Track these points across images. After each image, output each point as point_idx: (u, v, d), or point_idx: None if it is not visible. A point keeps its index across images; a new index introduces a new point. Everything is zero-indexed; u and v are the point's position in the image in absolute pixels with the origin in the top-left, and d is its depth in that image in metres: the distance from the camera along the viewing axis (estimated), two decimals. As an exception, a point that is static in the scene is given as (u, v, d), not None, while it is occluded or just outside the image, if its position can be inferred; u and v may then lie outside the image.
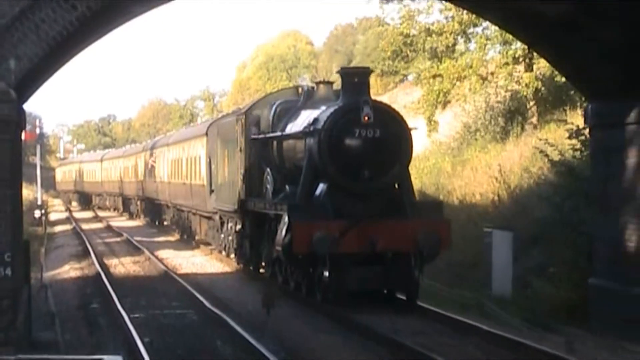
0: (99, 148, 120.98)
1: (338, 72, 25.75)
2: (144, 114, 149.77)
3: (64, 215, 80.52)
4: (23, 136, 22.97)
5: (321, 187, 24.26)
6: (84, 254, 43.41)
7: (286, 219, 23.35)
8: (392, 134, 23.75)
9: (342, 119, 23.67)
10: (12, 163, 19.28)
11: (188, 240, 48.91)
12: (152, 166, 59.74)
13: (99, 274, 34.33)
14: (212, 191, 36.13)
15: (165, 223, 58.08)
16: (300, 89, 29.48)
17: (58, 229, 62.85)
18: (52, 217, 73.38)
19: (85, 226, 64.94)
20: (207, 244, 43.46)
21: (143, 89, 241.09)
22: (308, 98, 27.51)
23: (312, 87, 28.69)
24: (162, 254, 42.63)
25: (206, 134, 37.98)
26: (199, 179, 40.03)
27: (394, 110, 25.11)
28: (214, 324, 24.29)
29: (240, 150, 30.14)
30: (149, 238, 52.41)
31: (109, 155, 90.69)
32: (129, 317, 24.18)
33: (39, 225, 57.71)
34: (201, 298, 27.84)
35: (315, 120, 24.22)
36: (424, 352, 18.98)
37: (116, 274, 35.50)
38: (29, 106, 21.71)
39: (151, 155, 61.72)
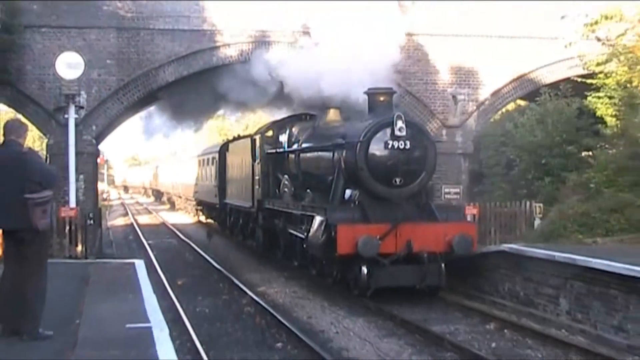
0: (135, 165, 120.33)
1: (365, 92, 16.18)
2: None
3: (117, 196, 79.20)
4: (98, 160, 22.49)
5: (349, 192, 15.73)
6: (126, 214, 43.70)
7: (319, 219, 14.93)
8: (420, 145, 15.38)
9: (378, 132, 15.24)
10: (93, 172, 20.05)
11: (173, 208, 47.52)
12: (163, 172, 56.14)
13: (132, 223, 34.93)
14: (221, 190, 27.56)
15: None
16: (306, 115, 20.36)
17: (114, 202, 61.88)
18: (112, 197, 72.76)
19: (127, 202, 64.30)
20: (184, 209, 41.99)
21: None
22: (320, 120, 18.60)
23: (323, 112, 18.98)
24: (162, 214, 42.60)
25: (218, 152, 28.84)
26: (213, 181, 30.48)
27: (421, 124, 16.86)
28: (184, 245, 24.32)
29: (257, 162, 20.61)
30: (155, 207, 51.72)
31: (138, 169, 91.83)
32: (147, 243, 24.60)
33: (105, 200, 58.12)
34: (179, 233, 28.16)
35: (344, 135, 15.83)
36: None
37: (141, 224, 35.15)
38: (101, 146, 23.56)
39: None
